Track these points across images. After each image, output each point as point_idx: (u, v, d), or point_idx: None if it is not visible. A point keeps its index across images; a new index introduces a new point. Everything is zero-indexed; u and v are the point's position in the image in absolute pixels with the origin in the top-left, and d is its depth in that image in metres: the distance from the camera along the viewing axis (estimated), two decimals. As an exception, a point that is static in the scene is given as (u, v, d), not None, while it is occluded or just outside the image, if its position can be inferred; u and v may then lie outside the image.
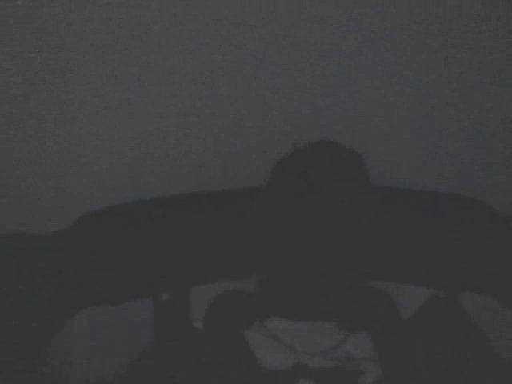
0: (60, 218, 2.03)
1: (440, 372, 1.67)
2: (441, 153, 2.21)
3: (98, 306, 1.92)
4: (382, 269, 1.86)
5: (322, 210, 1.77)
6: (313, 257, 1.78)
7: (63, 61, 2.10)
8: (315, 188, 1.78)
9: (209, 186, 2.12)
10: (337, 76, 2.22)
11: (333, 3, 2.19)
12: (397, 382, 1.68)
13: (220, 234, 1.95)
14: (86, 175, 2.15)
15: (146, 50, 2.15)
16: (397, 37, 2.21)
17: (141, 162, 2.18)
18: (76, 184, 2.15)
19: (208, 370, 1.68)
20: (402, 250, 1.90)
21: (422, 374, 1.68)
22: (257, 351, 1.71)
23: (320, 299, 1.78)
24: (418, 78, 2.23)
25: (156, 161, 2.16)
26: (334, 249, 1.80)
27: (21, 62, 2.07)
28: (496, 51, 2.21)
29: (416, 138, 2.21)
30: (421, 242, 1.93)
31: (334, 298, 1.78)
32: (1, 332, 1.78)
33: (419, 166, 2.20)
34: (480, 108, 2.21)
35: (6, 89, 2.09)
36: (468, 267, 1.89)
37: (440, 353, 1.69)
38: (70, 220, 1.98)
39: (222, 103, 2.20)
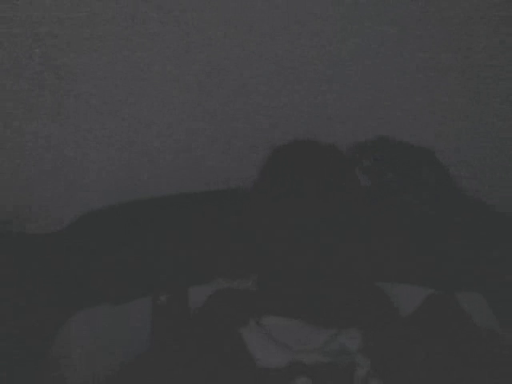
0: (59, 218, 2.03)
1: (437, 370, 1.67)
2: (441, 152, 2.21)
3: (98, 306, 1.92)
4: (381, 268, 1.86)
5: (319, 208, 1.77)
6: (312, 257, 1.79)
7: (62, 60, 2.10)
8: (309, 187, 1.79)
9: (209, 185, 2.12)
10: (338, 74, 2.22)
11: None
12: (391, 378, 1.68)
13: (220, 234, 1.95)
14: (85, 175, 2.15)
15: (146, 51, 2.15)
16: (398, 35, 2.21)
17: (141, 162, 2.18)
18: (76, 184, 2.15)
19: (204, 369, 1.69)
20: (400, 250, 1.90)
21: (420, 372, 1.68)
22: (253, 349, 1.72)
23: (318, 298, 1.78)
24: (420, 76, 2.23)
25: (156, 161, 2.16)
26: (334, 249, 1.80)
27: (20, 61, 2.07)
28: (496, 50, 2.21)
29: (416, 139, 2.21)
30: (419, 242, 1.93)
31: (333, 297, 1.78)
32: (1, 332, 1.79)
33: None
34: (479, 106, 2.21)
35: (5, 89, 2.09)
36: (466, 267, 1.89)
37: (437, 351, 1.70)
38: (70, 220, 1.98)
39: (222, 104, 2.20)
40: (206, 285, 1.87)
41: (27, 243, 1.96)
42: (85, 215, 2.01)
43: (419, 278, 1.88)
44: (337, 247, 1.80)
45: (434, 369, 1.67)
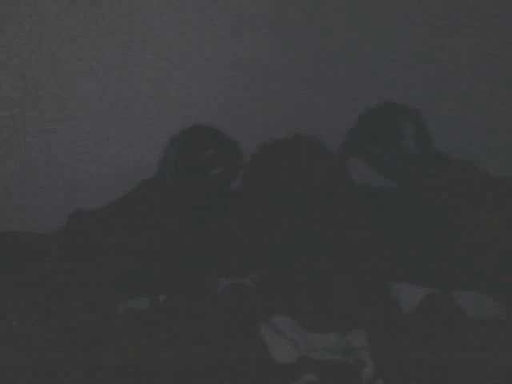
0: (58, 219, 2.03)
1: (436, 369, 1.67)
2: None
3: (98, 307, 1.91)
4: (381, 268, 1.86)
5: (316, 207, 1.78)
6: (313, 256, 1.79)
7: (62, 61, 2.11)
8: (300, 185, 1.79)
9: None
10: (338, 70, 2.22)
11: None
12: (394, 377, 1.68)
13: (220, 233, 1.95)
14: (84, 176, 2.16)
15: (144, 52, 2.16)
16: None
17: (139, 163, 2.18)
18: (74, 185, 2.15)
19: (214, 366, 1.69)
20: (399, 249, 1.90)
21: (419, 371, 1.68)
22: (262, 346, 1.72)
23: (320, 298, 1.78)
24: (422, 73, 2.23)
25: (154, 161, 2.16)
26: (335, 248, 1.80)
27: (20, 62, 2.08)
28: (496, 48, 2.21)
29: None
30: (417, 241, 1.93)
31: (335, 297, 1.78)
32: (1, 332, 1.79)
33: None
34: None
35: (5, 89, 2.09)
36: (463, 265, 1.89)
37: (436, 351, 1.69)
38: (66, 220, 1.99)
39: (220, 105, 2.20)
40: (209, 285, 1.87)
41: (26, 244, 1.97)
42: (80, 216, 2.01)
43: (417, 277, 1.88)
44: (342, 248, 1.80)
45: (431, 368, 1.67)
